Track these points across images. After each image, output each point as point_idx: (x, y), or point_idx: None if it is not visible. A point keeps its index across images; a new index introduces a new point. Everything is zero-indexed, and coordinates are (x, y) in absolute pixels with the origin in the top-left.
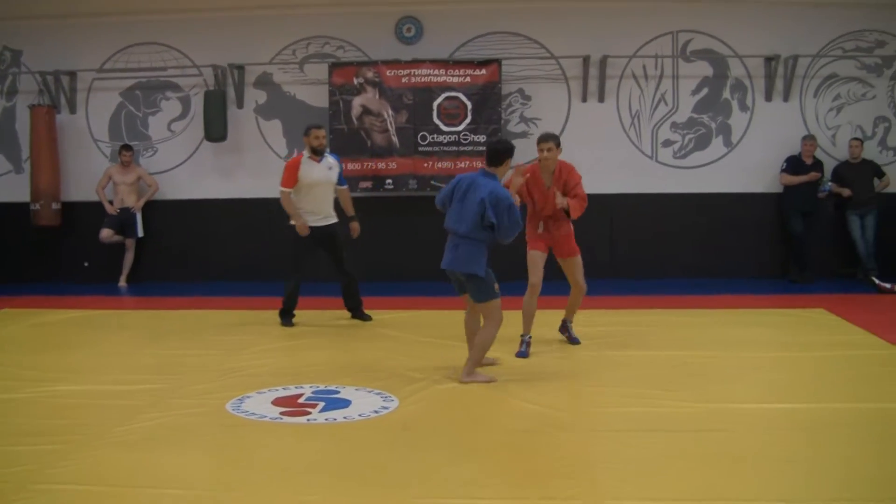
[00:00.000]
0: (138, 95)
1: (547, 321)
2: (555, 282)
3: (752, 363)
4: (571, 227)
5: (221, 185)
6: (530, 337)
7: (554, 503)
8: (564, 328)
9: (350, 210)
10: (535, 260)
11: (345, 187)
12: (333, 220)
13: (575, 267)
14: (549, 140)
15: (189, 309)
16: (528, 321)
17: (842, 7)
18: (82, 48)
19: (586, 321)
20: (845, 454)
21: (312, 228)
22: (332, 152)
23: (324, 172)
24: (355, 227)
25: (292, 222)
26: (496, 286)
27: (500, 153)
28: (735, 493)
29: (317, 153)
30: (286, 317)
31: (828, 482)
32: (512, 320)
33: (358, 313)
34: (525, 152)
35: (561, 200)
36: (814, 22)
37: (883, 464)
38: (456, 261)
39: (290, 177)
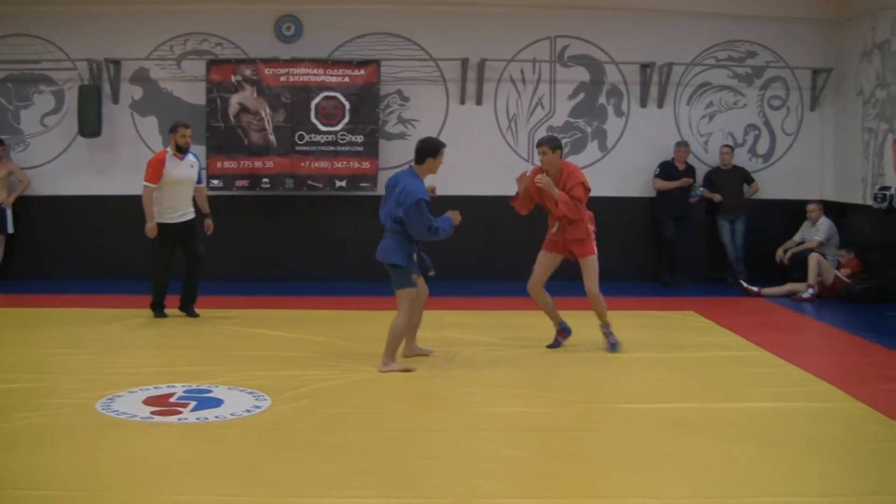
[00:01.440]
0: (10, 88)
1: (452, 321)
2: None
3: (626, 364)
4: (589, 229)
5: (95, 181)
6: (560, 324)
7: (429, 501)
8: (606, 333)
9: (206, 207)
10: (539, 260)
11: (202, 185)
12: (192, 215)
13: (585, 271)
14: (543, 144)
15: (60, 307)
16: (549, 313)
17: (715, 18)
18: None
19: (464, 322)
20: (715, 451)
21: (172, 224)
22: (193, 151)
23: (186, 170)
24: (210, 224)
25: (156, 220)
26: (413, 277)
27: (419, 152)
28: (609, 491)
29: (181, 151)
30: (157, 309)
31: (700, 479)
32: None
33: (189, 308)
34: (405, 154)
35: (554, 191)
36: (688, 31)
37: (751, 461)
38: (381, 251)
39: (156, 173)
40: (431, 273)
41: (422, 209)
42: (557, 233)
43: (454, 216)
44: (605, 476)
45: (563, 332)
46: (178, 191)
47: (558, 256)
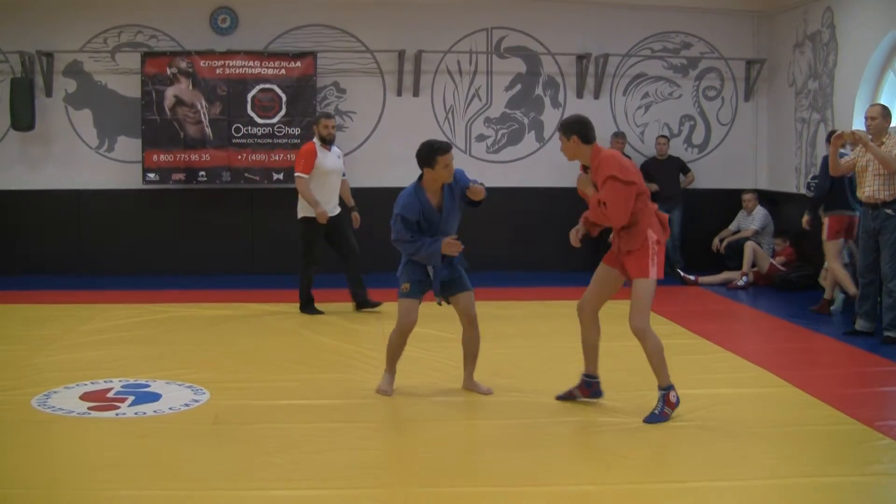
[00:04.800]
0: None
1: None
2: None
3: (562, 354)
4: (648, 238)
5: (28, 176)
6: (587, 376)
7: (366, 492)
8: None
9: (351, 200)
10: (595, 274)
11: (346, 178)
12: (339, 208)
13: (632, 295)
14: (558, 129)
15: None
16: (585, 349)
17: (650, 9)
18: None
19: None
20: (649, 438)
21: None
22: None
23: (335, 161)
24: (357, 217)
25: (303, 215)
26: (404, 286)
27: (417, 159)
28: (549, 479)
29: (326, 142)
30: (309, 307)
31: (635, 466)
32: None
33: (367, 300)
34: (342, 145)
35: (588, 190)
36: (623, 22)
37: (687, 446)
38: None
39: (309, 163)
40: (439, 303)
41: (395, 226)
42: (613, 241)
43: (447, 245)
44: (541, 464)
45: (587, 387)
46: (329, 182)
47: (608, 267)
